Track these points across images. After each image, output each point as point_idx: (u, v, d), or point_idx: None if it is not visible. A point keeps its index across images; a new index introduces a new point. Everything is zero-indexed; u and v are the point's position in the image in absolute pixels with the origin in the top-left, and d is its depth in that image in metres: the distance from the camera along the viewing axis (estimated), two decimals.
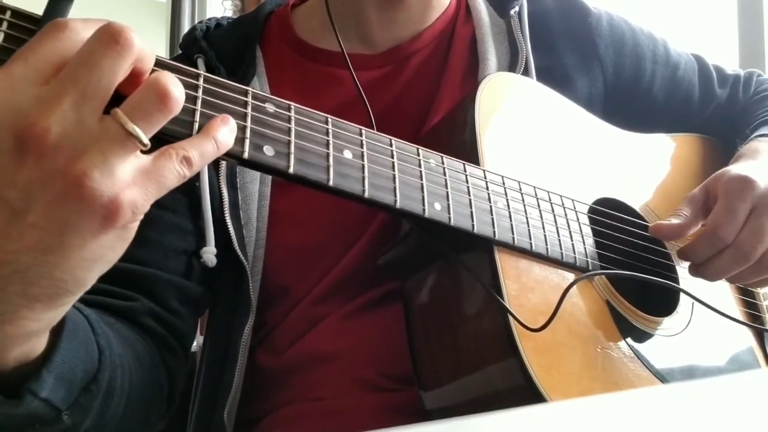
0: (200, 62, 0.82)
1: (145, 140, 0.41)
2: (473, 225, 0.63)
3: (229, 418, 0.76)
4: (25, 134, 0.39)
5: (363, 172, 0.57)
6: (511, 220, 0.66)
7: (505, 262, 0.64)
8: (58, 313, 0.45)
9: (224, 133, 0.46)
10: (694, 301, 0.76)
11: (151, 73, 0.43)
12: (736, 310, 0.86)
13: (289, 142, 0.53)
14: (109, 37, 0.40)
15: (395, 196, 0.59)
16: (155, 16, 3.48)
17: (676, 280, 0.80)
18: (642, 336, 0.73)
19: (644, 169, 0.88)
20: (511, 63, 0.83)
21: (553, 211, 0.71)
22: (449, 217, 0.62)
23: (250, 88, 0.52)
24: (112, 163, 0.40)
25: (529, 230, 0.67)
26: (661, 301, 0.78)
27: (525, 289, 0.65)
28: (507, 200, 0.67)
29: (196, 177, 0.75)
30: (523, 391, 0.60)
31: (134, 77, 0.42)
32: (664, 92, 0.95)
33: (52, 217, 0.39)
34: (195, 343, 0.81)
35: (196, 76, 0.48)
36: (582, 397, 0.60)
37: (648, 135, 0.91)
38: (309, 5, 0.90)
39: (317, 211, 0.79)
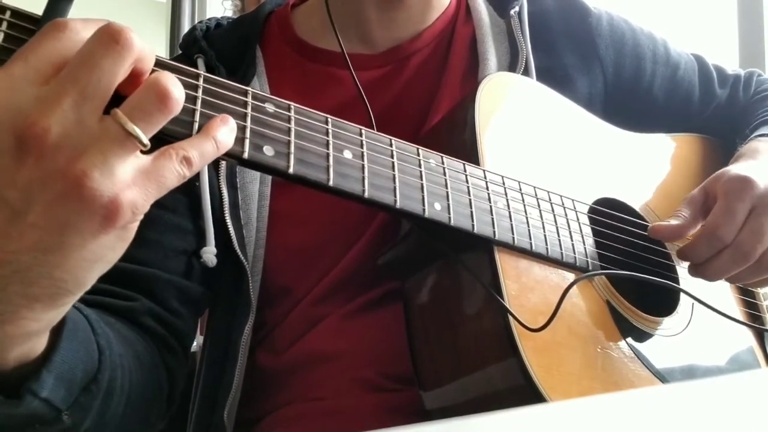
0: (200, 62, 0.82)
1: (145, 140, 0.41)
2: (473, 225, 0.63)
3: (229, 418, 0.76)
4: (25, 134, 0.39)
5: (363, 172, 0.57)
6: (511, 220, 0.66)
7: (505, 262, 0.64)
8: (58, 313, 0.45)
9: (224, 133, 0.47)
10: (694, 301, 0.76)
11: (151, 73, 0.43)
12: (736, 310, 0.86)
13: (289, 142, 0.53)
14: (109, 37, 0.40)
15: (395, 196, 0.59)
16: (155, 16, 3.48)
17: (676, 280, 0.80)
18: (642, 336, 0.73)
19: (644, 169, 0.88)
20: (511, 63, 0.83)
21: (553, 211, 0.71)
22: (449, 217, 0.62)
23: (249, 88, 0.51)
24: (112, 163, 0.40)
25: (529, 230, 0.67)
26: (661, 301, 0.78)
27: (525, 289, 0.65)
28: (507, 200, 0.67)
29: (196, 177, 0.75)
30: (523, 391, 0.60)
31: (134, 77, 0.42)
32: (664, 92, 0.95)
33: (52, 217, 0.39)
34: (195, 343, 0.81)
35: (196, 76, 0.48)
36: (582, 397, 0.60)
37: (648, 135, 0.91)
38: (309, 5, 0.90)
39: (317, 211, 0.79)
